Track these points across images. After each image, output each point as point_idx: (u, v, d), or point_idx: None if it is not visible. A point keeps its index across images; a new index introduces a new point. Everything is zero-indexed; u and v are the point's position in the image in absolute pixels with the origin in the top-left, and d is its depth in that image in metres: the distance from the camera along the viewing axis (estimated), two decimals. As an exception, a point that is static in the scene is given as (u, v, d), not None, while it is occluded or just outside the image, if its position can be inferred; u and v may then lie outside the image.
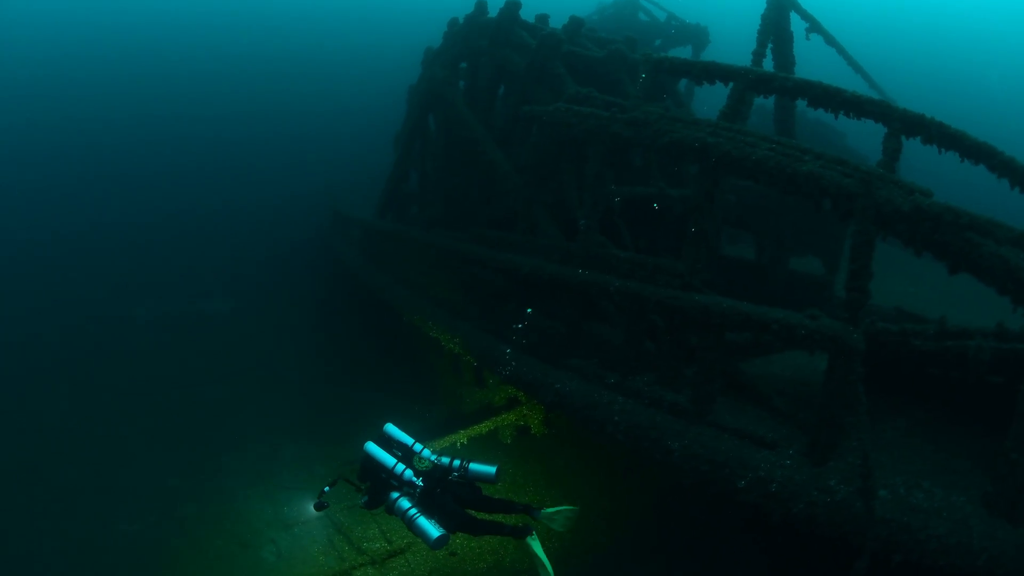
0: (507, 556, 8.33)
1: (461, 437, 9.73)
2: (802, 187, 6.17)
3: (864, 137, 12.39)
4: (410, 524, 6.11)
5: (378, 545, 8.53)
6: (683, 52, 18.87)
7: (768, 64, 10.07)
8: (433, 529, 6.00)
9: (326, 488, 6.59)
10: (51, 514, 9.78)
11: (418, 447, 6.61)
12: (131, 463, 10.94)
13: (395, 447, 6.62)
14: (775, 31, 10.13)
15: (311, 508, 6.75)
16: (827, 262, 10.58)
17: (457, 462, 6.51)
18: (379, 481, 6.44)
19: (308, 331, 16.53)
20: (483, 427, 9.84)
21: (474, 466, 6.51)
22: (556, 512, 6.72)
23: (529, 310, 9.56)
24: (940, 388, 6.77)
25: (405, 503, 6.19)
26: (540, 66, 9.88)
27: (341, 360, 14.22)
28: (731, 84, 7.74)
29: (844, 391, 5.60)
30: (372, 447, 6.56)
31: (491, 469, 6.52)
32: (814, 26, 12.52)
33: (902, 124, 6.90)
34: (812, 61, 11.66)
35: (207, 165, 29.42)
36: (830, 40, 13.23)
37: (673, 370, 7.10)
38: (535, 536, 6.32)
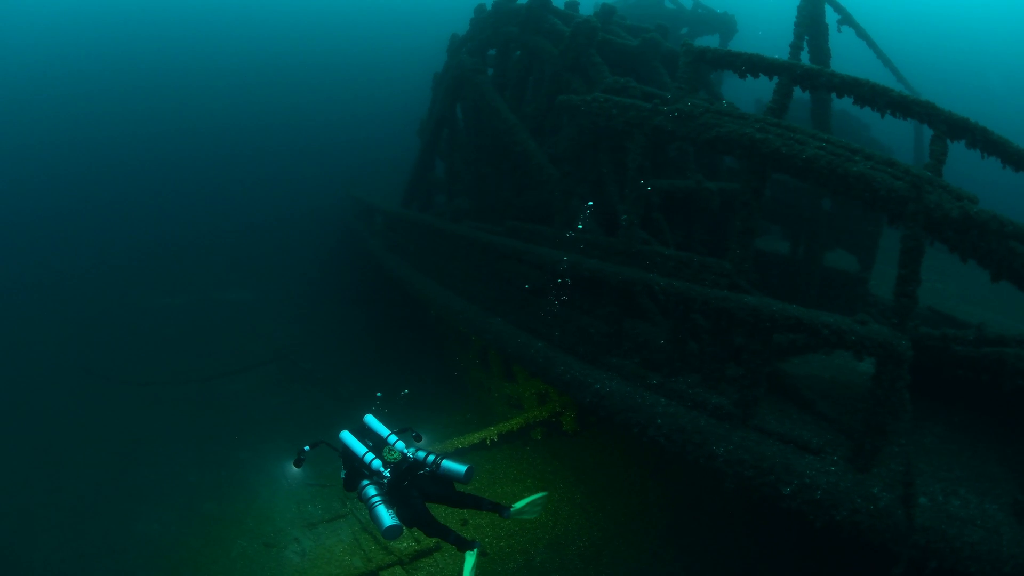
0: (537, 556, 8.18)
1: (491, 433, 9.60)
2: (853, 188, 6.04)
3: (887, 130, 12.17)
4: (370, 511, 6.25)
5: (405, 544, 8.31)
6: (710, 41, 18.52)
7: (803, 57, 9.80)
8: (387, 518, 6.10)
9: (306, 447, 6.69)
10: (68, 514, 9.56)
11: (392, 439, 6.62)
12: (149, 459, 10.75)
13: (370, 437, 6.71)
14: (811, 23, 9.84)
15: (291, 465, 6.93)
16: (862, 259, 10.33)
17: (432, 457, 6.50)
18: (352, 469, 6.60)
19: (331, 323, 16.33)
20: (513, 423, 9.71)
21: (447, 463, 6.50)
22: (525, 505, 6.78)
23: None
24: (978, 393, 6.65)
25: (371, 491, 6.32)
26: (574, 54, 9.58)
27: (364, 352, 14.05)
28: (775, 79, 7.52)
29: (890, 397, 5.50)
30: (347, 435, 6.69)
31: (461, 468, 6.49)
32: (846, 18, 12.30)
33: (948, 127, 6.77)
34: (839, 54, 11.40)
35: (229, 159, 29.50)
36: (861, 33, 13.00)
37: (717, 372, 6.89)
38: (474, 553, 6.34)
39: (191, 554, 8.62)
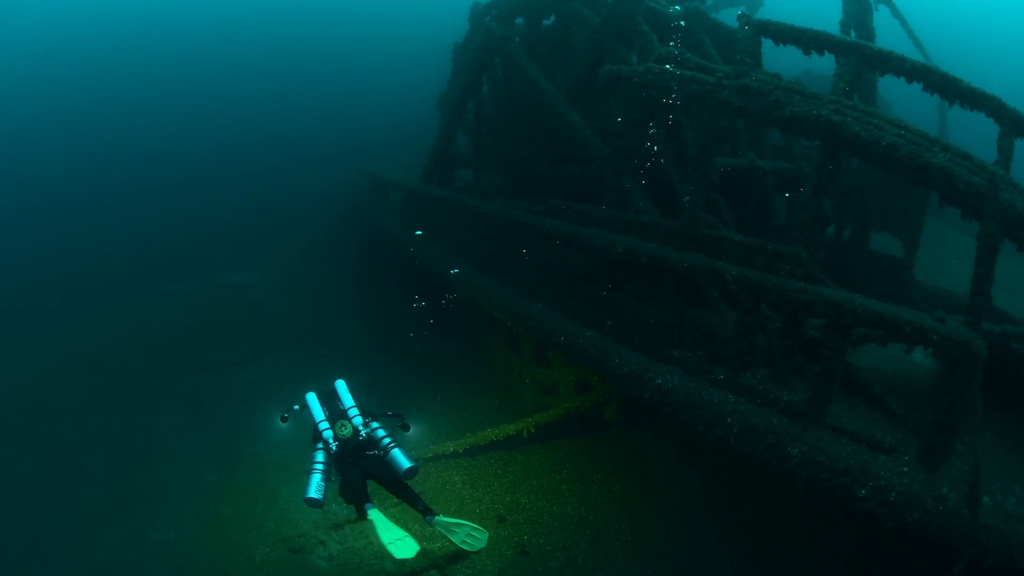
0: (579, 554, 7.78)
1: (528, 425, 9.21)
2: (933, 180, 5.88)
3: (909, 107, 11.78)
4: (305, 474, 6.56)
5: (439, 545, 7.81)
6: (734, 13, 17.72)
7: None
8: (313, 490, 6.41)
9: (295, 407, 7.01)
10: (80, 521, 9.00)
11: (352, 412, 6.83)
12: (162, 458, 10.19)
13: (333, 405, 6.97)
14: (857, 1, 9.45)
15: (278, 420, 7.20)
16: (907, 244, 10.01)
17: (387, 440, 6.69)
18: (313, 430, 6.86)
19: (346, 305, 15.78)
20: (551, 414, 9.31)
21: (395, 453, 6.65)
22: (454, 524, 6.88)
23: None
24: None
25: (319, 456, 6.62)
26: (619, 21, 8.96)
27: (384, 337, 13.51)
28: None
29: (964, 397, 5.43)
30: (311, 398, 6.97)
31: (405, 464, 6.63)
32: None
33: (1013, 124, 6.78)
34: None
35: (239, 138, 29.22)
36: (895, 12, 12.80)
37: (788, 366, 6.51)
38: (376, 511, 6.60)
39: (212, 562, 8.08)
